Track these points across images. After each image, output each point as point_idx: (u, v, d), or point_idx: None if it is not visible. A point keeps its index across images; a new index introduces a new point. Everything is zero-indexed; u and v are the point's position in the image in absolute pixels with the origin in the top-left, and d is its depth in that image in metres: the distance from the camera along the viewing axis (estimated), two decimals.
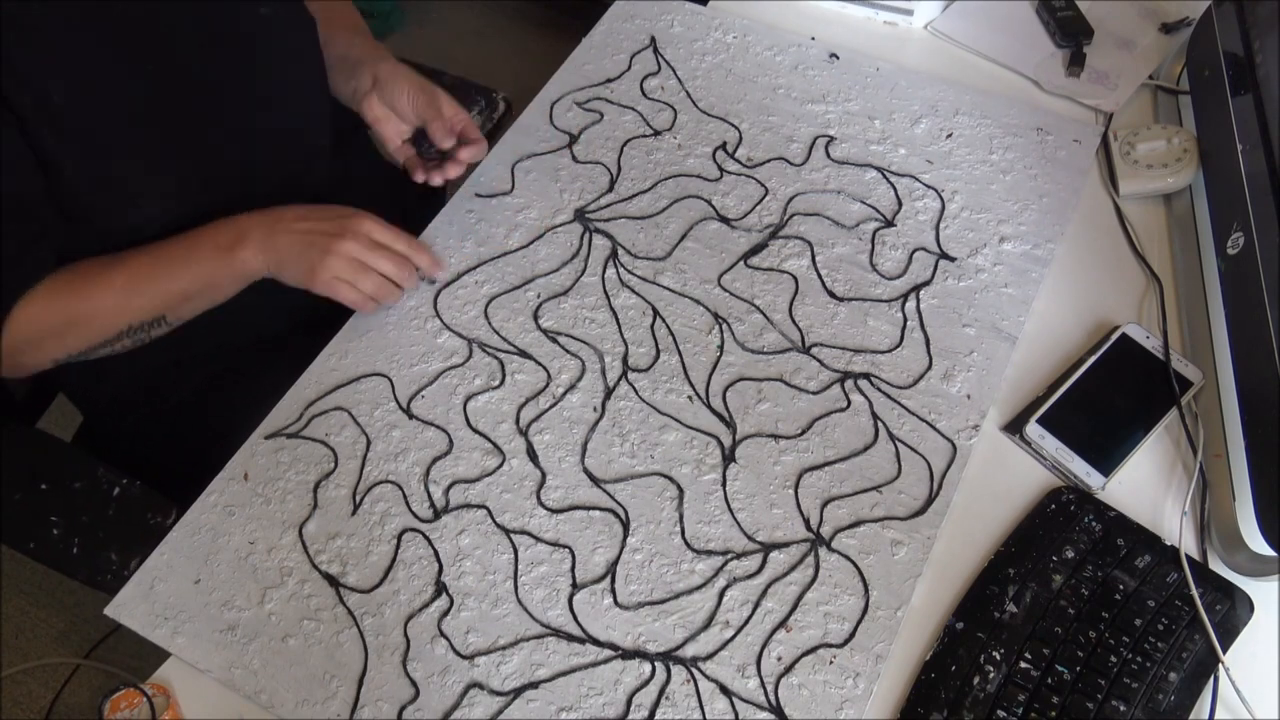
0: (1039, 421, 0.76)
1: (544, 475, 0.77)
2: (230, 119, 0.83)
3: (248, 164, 0.86)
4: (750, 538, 0.73)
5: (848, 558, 0.72)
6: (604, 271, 0.88)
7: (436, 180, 0.87)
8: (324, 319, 0.86)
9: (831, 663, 0.68)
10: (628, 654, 0.69)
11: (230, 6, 0.81)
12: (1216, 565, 0.70)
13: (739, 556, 0.72)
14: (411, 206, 1.01)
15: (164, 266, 0.79)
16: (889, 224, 0.89)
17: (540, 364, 0.82)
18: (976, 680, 0.66)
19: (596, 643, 0.69)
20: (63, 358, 0.79)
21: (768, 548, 0.72)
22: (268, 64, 0.85)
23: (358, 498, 0.76)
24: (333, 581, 0.72)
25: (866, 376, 0.80)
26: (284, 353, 0.83)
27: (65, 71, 0.72)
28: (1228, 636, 0.67)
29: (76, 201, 0.77)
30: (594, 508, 0.75)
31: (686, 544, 0.73)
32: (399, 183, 1.03)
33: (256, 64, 0.84)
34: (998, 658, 0.66)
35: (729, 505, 0.74)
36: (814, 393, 0.80)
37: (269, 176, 0.88)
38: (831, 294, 0.85)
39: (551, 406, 0.80)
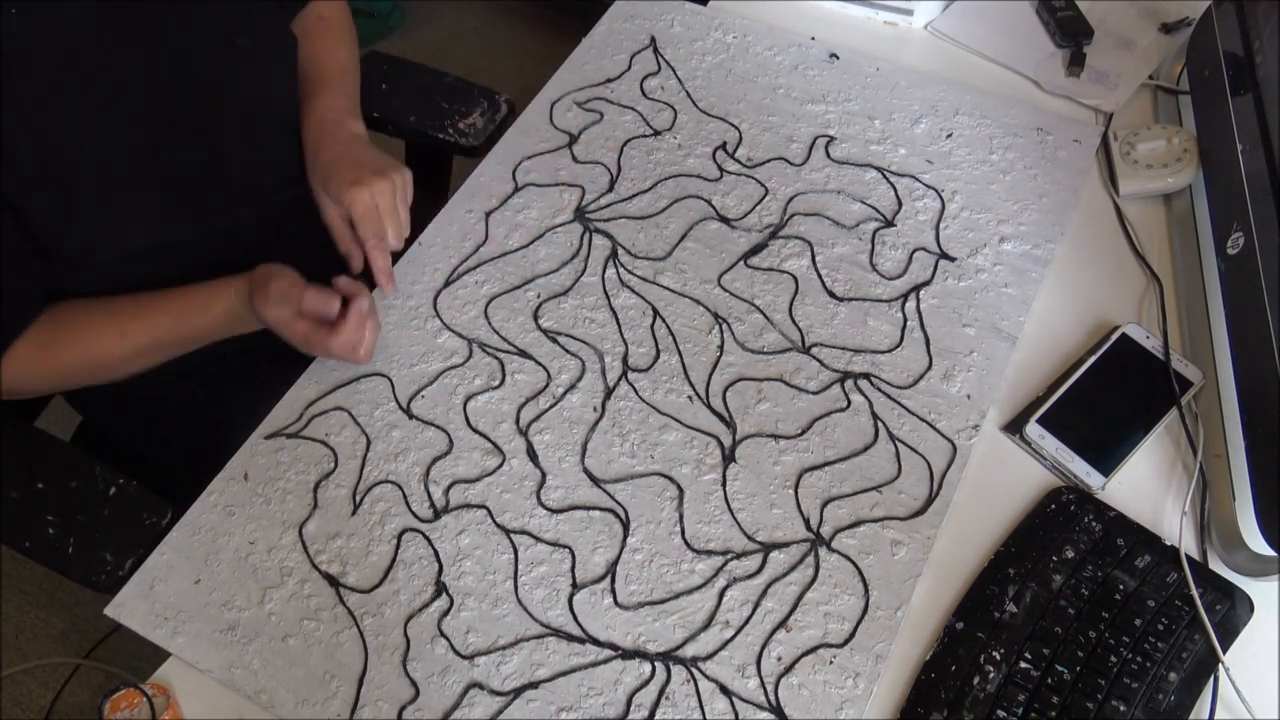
0: (1039, 421, 0.76)
1: (544, 475, 0.77)
2: (207, 149, 0.83)
3: (227, 194, 0.87)
4: (750, 538, 0.73)
5: (848, 558, 0.72)
6: (604, 271, 0.87)
7: (352, 257, 0.85)
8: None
9: (831, 663, 0.68)
10: (628, 654, 0.69)
11: (208, 41, 0.81)
12: (1216, 565, 0.70)
13: (739, 556, 0.72)
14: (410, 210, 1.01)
15: (166, 326, 0.82)
16: (889, 224, 0.89)
17: (540, 364, 0.82)
18: (976, 680, 0.66)
19: (596, 643, 0.69)
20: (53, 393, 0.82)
21: (768, 548, 0.72)
22: (249, 93, 0.86)
23: (358, 498, 0.76)
24: (333, 581, 0.72)
25: (866, 376, 0.80)
26: (284, 353, 0.83)
27: (34, 123, 0.72)
28: (1228, 636, 0.67)
29: (50, 239, 0.77)
30: (594, 508, 0.75)
31: (686, 544, 0.73)
32: None
33: (237, 94, 0.84)
34: (998, 658, 0.66)
35: (729, 505, 0.74)
36: (814, 393, 0.80)
37: (248, 202, 0.88)
38: (831, 294, 0.85)
39: (551, 406, 0.80)
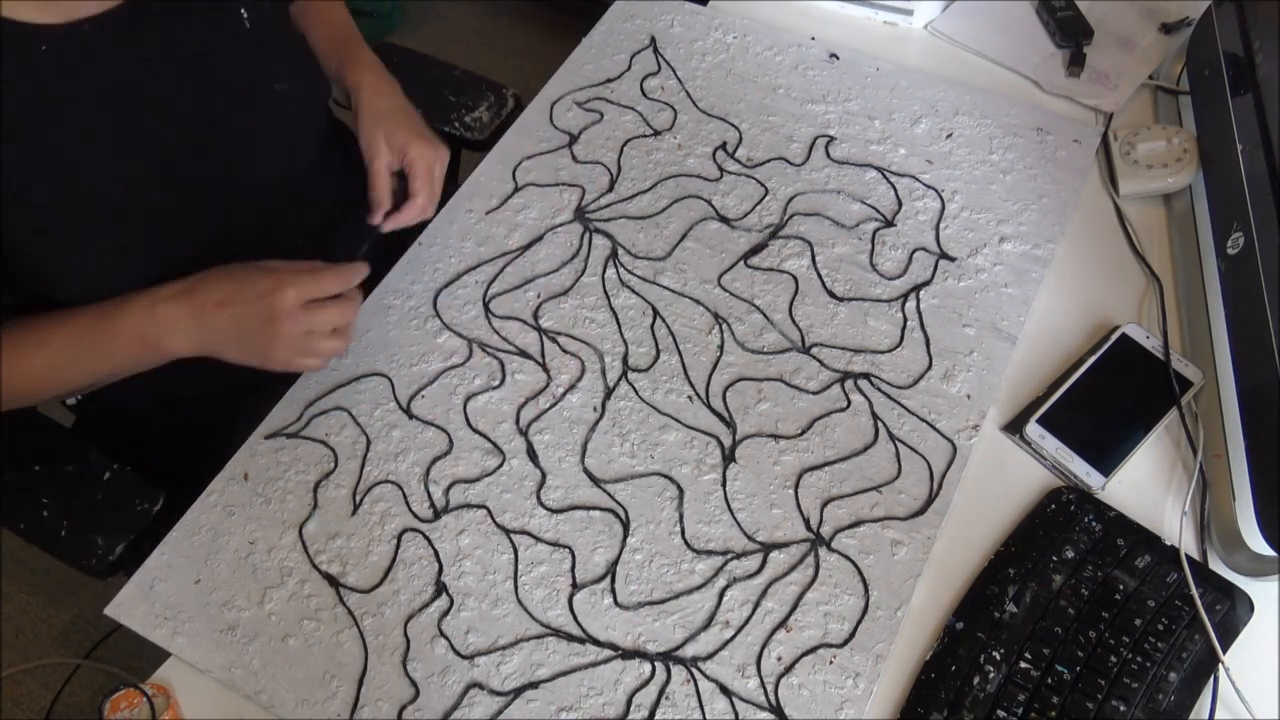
0: (1039, 421, 0.76)
1: (544, 475, 0.77)
2: (234, 194, 0.81)
3: (249, 230, 0.82)
4: (750, 538, 0.73)
5: (848, 558, 0.72)
6: (604, 271, 0.87)
7: (386, 227, 0.83)
8: None
9: (831, 663, 0.68)
10: (628, 654, 0.69)
11: (245, 86, 0.78)
12: (1216, 565, 0.70)
13: (739, 556, 0.72)
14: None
15: (84, 353, 0.74)
16: (889, 224, 0.89)
17: (540, 364, 0.82)
18: (976, 680, 0.66)
19: (596, 643, 0.69)
20: None
21: (768, 548, 0.72)
22: (281, 137, 0.83)
23: (358, 498, 0.76)
24: (333, 581, 0.72)
25: (866, 376, 0.80)
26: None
27: (49, 179, 0.69)
28: (1228, 636, 0.67)
29: (54, 279, 0.74)
30: (594, 508, 0.75)
31: (686, 544, 0.73)
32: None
33: (269, 138, 0.82)
34: (998, 658, 0.66)
35: (729, 505, 0.74)
36: (814, 393, 0.80)
37: (257, 221, 0.84)
38: (831, 294, 0.85)
39: (551, 406, 0.80)
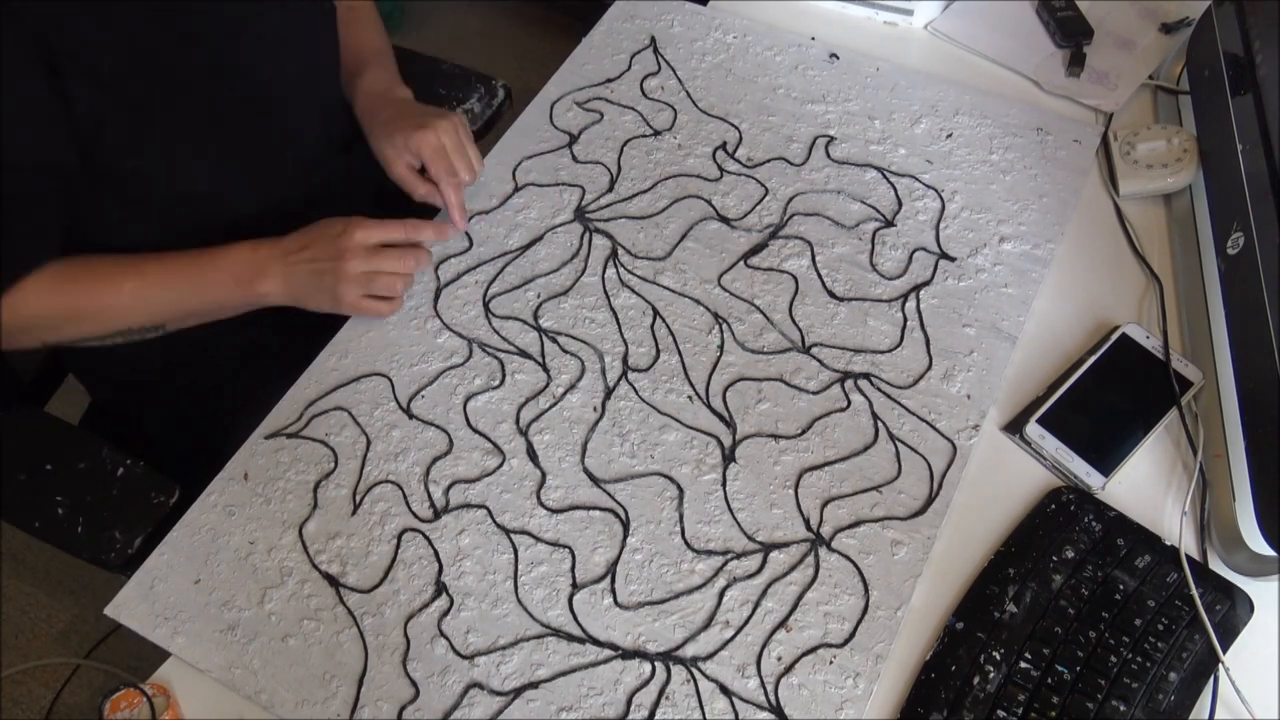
0: (1039, 421, 0.76)
1: (544, 475, 0.77)
2: (262, 98, 0.85)
3: (277, 144, 0.88)
4: (750, 538, 0.73)
5: (848, 558, 0.72)
6: (604, 271, 0.87)
7: (457, 221, 0.87)
8: (327, 320, 0.86)
9: (831, 663, 0.68)
10: (628, 654, 0.69)
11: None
12: (1216, 565, 0.70)
13: (739, 556, 0.72)
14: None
15: (177, 284, 0.81)
16: (889, 224, 0.89)
17: (540, 364, 0.82)
18: (976, 680, 0.66)
19: (596, 643, 0.69)
20: (53, 342, 0.82)
21: (768, 548, 0.72)
22: (296, 52, 0.87)
23: (358, 498, 0.76)
24: (333, 581, 0.72)
25: (866, 376, 0.80)
26: (285, 351, 0.83)
27: (115, 45, 0.72)
28: (1228, 636, 0.67)
29: (118, 168, 0.77)
30: (594, 508, 0.75)
31: (686, 544, 0.73)
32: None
33: (283, 51, 0.86)
34: (998, 658, 0.66)
35: (729, 505, 0.74)
36: (814, 393, 0.80)
37: (297, 159, 0.90)
38: (831, 294, 0.85)
39: (551, 406, 0.80)
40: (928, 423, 0.77)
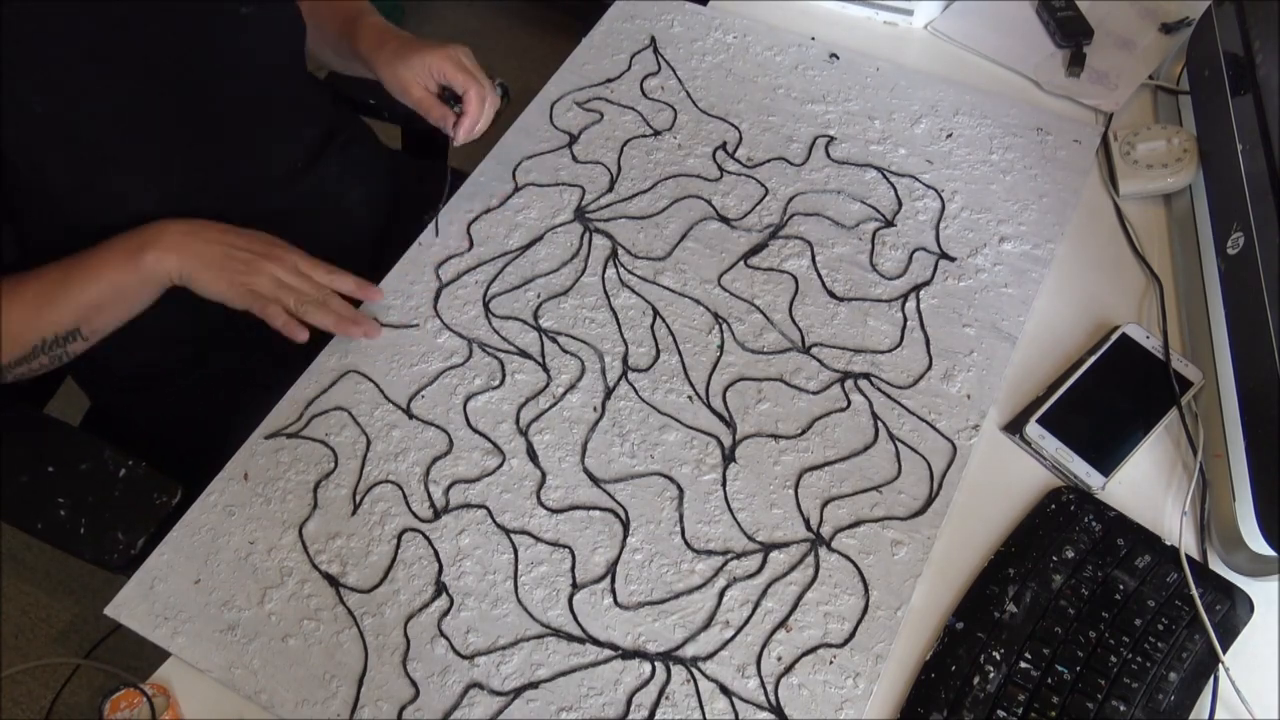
0: (1039, 421, 0.76)
1: (544, 475, 0.77)
2: (212, 120, 0.83)
3: (232, 165, 0.86)
4: (750, 538, 0.73)
5: (848, 558, 0.72)
6: (604, 271, 0.87)
7: (460, 139, 0.86)
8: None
9: (831, 663, 0.68)
10: (628, 654, 0.69)
11: (210, 7, 0.80)
12: (1216, 565, 0.70)
13: (739, 556, 0.72)
14: (407, 205, 1.01)
15: (74, 276, 0.77)
16: (889, 224, 0.89)
17: (540, 364, 0.82)
18: (976, 680, 0.66)
19: (596, 643, 0.69)
20: None
21: (768, 548, 0.72)
22: (250, 65, 0.85)
23: (358, 498, 0.76)
24: (333, 581, 0.72)
25: (866, 376, 0.80)
26: (285, 351, 0.83)
27: (46, 84, 0.71)
28: (1228, 636, 0.67)
29: (63, 204, 0.77)
30: (594, 508, 0.75)
31: (686, 544, 0.73)
32: (395, 184, 1.03)
33: (239, 65, 0.84)
34: (998, 658, 0.66)
35: (729, 505, 0.74)
36: (814, 393, 0.80)
37: (255, 178, 0.88)
38: (831, 294, 0.85)
39: (551, 406, 0.80)
40: (928, 423, 0.77)
